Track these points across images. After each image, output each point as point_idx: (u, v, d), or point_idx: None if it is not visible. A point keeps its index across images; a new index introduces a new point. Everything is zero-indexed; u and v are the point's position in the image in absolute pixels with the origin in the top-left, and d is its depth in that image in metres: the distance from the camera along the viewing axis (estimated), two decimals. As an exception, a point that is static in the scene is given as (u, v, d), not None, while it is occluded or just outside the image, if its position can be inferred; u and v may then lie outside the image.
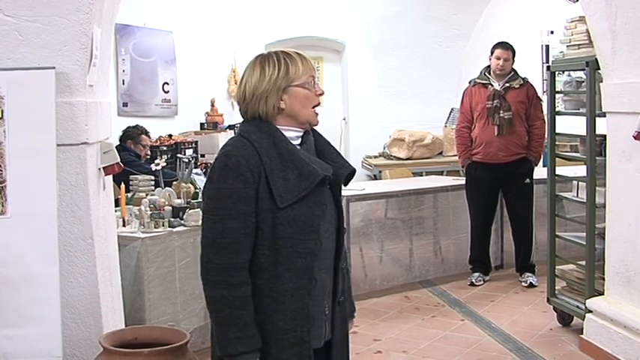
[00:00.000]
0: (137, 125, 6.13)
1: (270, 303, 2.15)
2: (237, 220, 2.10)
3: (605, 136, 4.28)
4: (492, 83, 5.77)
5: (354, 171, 2.32)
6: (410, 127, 8.42)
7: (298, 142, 2.24)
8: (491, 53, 5.82)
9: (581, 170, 4.80)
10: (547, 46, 9.24)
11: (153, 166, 5.18)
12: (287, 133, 2.21)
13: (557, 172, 4.91)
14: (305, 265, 2.15)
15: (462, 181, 6.15)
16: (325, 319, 2.26)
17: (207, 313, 2.21)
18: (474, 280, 5.91)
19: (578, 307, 4.57)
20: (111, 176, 3.52)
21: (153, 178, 5.02)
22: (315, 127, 2.33)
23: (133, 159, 5.74)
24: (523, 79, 5.80)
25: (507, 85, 5.74)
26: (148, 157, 6.13)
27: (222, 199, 2.12)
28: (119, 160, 3.40)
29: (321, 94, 2.26)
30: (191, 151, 6.70)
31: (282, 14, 8.48)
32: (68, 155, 3.10)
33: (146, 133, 6.11)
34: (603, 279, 4.32)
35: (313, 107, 2.23)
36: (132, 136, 5.99)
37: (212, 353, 2.27)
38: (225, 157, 2.15)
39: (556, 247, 4.93)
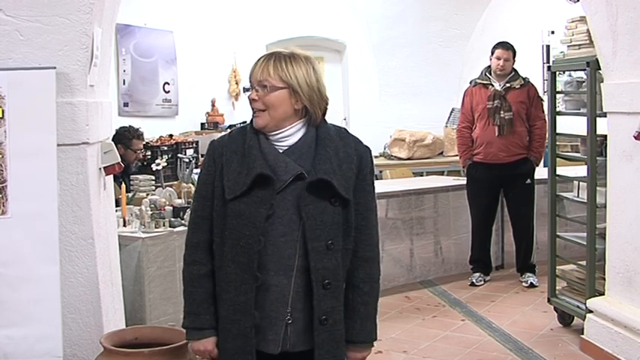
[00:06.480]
0: (130, 127, 5.71)
1: (219, 291, 2.24)
2: (197, 203, 2.30)
3: (605, 136, 4.27)
4: (493, 83, 5.76)
5: (319, 179, 2.15)
6: (410, 127, 8.42)
7: (285, 142, 2.22)
8: (492, 53, 5.81)
9: (581, 170, 4.79)
10: (548, 46, 9.24)
11: (153, 166, 5.18)
12: (271, 135, 2.22)
13: (557, 172, 4.90)
14: (248, 262, 2.16)
15: (462, 181, 6.15)
16: (289, 327, 2.18)
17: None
18: (474, 280, 5.91)
19: (578, 307, 4.57)
20: (111, 176, 3.52)
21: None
22: (325, 128, 2.26)
23: None
24: (524, 79, 5.79)
25: (508, 85, 5.73)
26: (142, 159, 5.93)
27: (196, 184, 2.38)
28: (119, 159, 3.40)
29: (252, 100, 2.21)
30: (192, 151, 6.70)
31: (282, 14, 8.48)
32: (69, 155, 3.10)
33: (139, 136, 5.70)
34: (604, 279, 4.32)
35: (254, 112, 2.24)
36: (123, 140, 5.50)
37: None
38: (207, 147, 2.36)
39: (557, 247, 4.92)
